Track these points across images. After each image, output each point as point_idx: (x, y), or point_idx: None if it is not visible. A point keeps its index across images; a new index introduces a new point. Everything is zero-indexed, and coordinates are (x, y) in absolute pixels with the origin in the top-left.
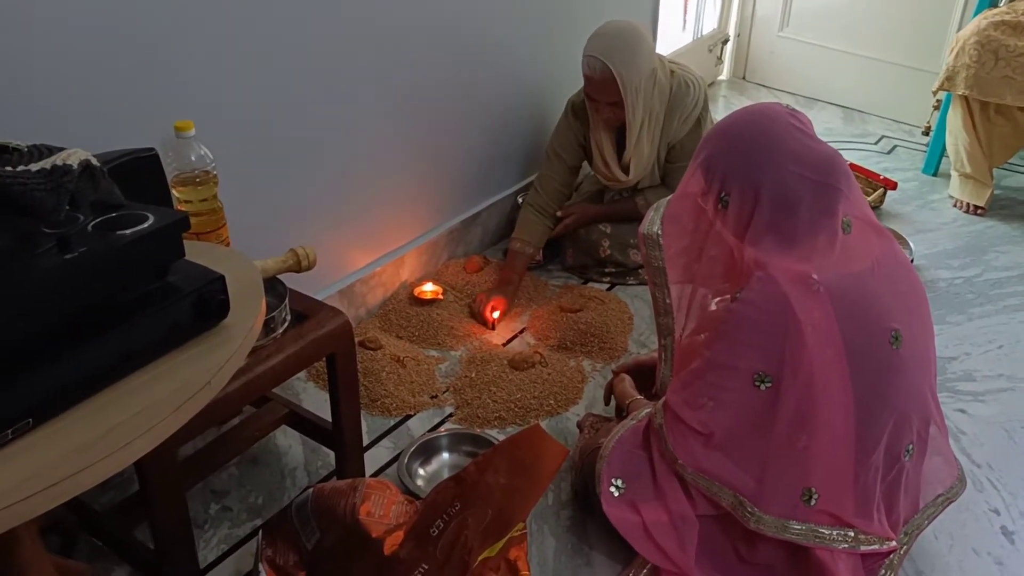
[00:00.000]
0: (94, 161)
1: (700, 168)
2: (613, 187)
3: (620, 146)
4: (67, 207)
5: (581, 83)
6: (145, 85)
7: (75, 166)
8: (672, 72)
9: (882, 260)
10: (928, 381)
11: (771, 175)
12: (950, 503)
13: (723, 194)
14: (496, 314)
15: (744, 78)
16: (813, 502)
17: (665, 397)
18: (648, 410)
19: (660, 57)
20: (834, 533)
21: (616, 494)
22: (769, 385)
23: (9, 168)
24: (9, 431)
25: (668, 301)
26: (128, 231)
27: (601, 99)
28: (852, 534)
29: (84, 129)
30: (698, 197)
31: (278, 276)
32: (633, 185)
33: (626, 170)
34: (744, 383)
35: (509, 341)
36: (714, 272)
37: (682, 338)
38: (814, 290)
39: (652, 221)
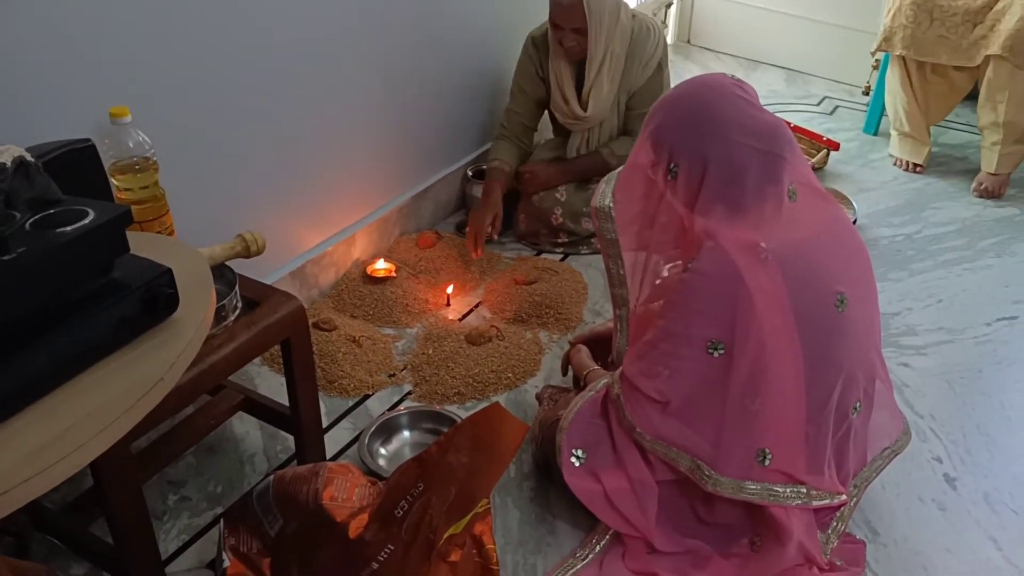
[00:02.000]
0: (28, 157)
1: (649, 139)
2: (571, 126)
3: (579, 83)
4: (2, 207)
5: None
6: (74, 71)
7: (8, 164)
8: (634, 16)
9: (827, 226)
10: (873, 340)
11: (718, 146)
12: (896, 455)
13: (672, 165)
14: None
15: (688, 42)
16: (767, 462)
17: (621, 368)
18: (605, 380)
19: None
20: (787, 491)
21: (577, 464)
22: (722, 352)
23: None
24: None
25: (622, 272)
26: (69, 228)
27: (566, 25)
28: (804, 490)
29: (10, 121)
30: (647, 168)
31: (227, 263)
32: (592, 129)
33: (585, 106)
34: (698, 351)
35: (465, 316)
36: (665, 239)
37: (637, 308)
38: (762, 258)
39: (604, 194)
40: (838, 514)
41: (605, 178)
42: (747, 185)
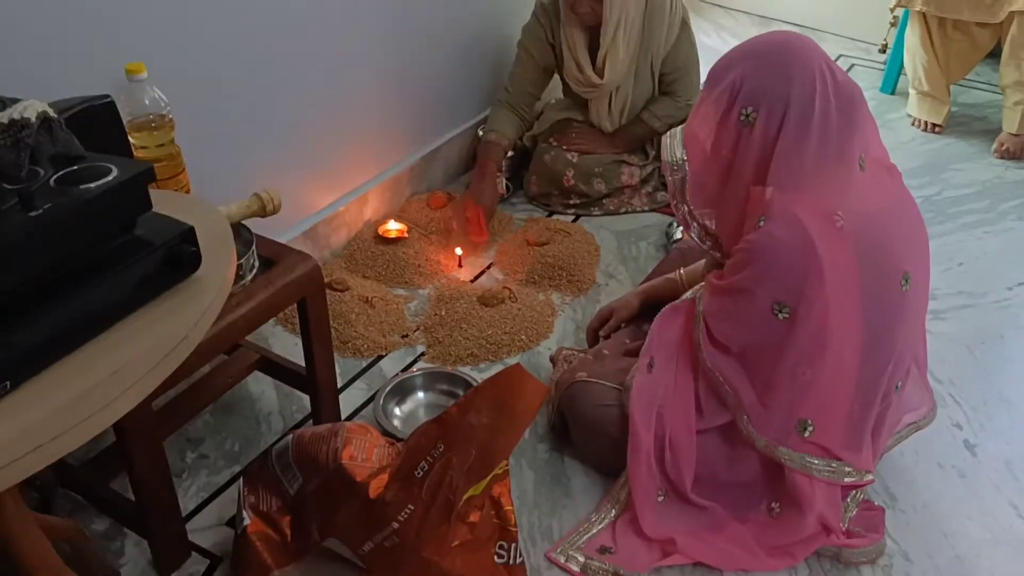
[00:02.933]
0: (52, 112)
1: (718, 83)
2: (586, 94)
3: (592, 50)
4: (27, 163)
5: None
6: (90, 27)
7: (33, 119)
8: None
9: (896, 201)
10: (924, 321)
11: (801, 91)
12: (919, 430)
13: (749, 110)
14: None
15: None
16: (807, 433)
17: (704, 295)
18: (691, 294)
19: None
20: (821, 464)
21: (648, 371)
22: (786, 316)
23: None
24: None
25: (706, 223)
26: (93, 185)
27: None
28: (836, 465)
29: (27, 77)
30: (715, 120)
31: (243, 222)
32: (615, 96)
33: (601, 73)
34: (763, 309)
35: (477, 277)
36: (736, 194)
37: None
38: (838, 227)
39: (672, 148)
40: None
41: (668, 133)
42: (823, 139)
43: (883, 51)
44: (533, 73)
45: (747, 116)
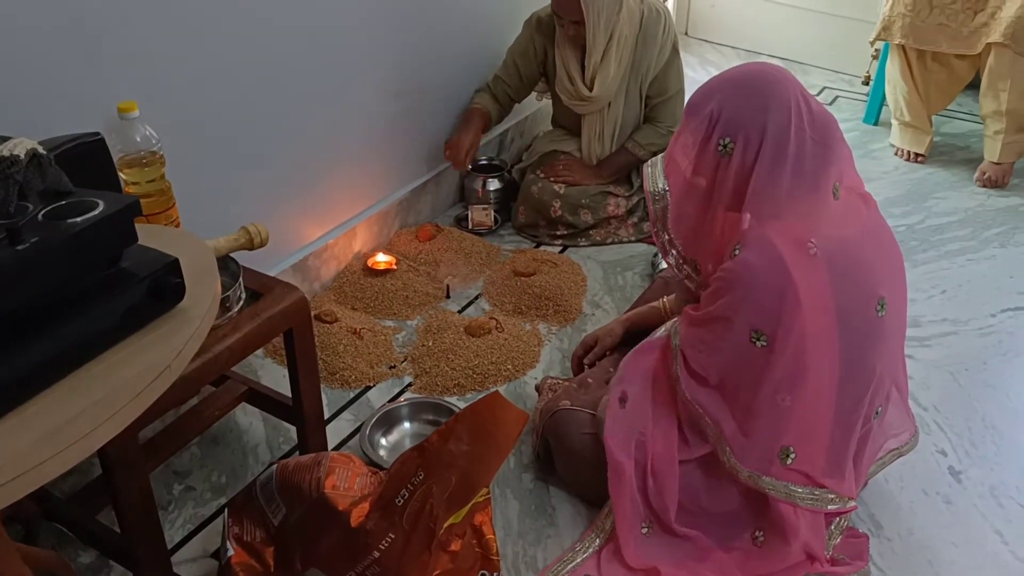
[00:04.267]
0: (40, 149)
1: (699, 112)
2: (578, 108)
3: (584, 66)
4: (15, 199)
5: None
6: (83, 67)
7: (22, 156)
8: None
9: (870, 227)
10: (901, 344)
11: (777, 122)
12: (900, 457)
13: (726, 140)
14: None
15: (687, 33)
16: (790, 461)
17: (680, 328)
18: (667, 329)
19: None
20: (804, 492)
21: (621, 407)
22: (764, 344)
23: None
24: None
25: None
26: (79, 219)
27: (565, 16)
28: (818, 493)
29: (23, 115)
30: (693, 149)
31: (231, 254)
32: (605, 116)
33: (590, 86)
34: (741, 337)
35: (464, 308)
36: (711, 228)
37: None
38: (811, 254)
39: (654, 177)
40: None
41: (649, 162)
42: (798, 169)
43: (866, 83)
44: (514, 80)
45: (724, 146)
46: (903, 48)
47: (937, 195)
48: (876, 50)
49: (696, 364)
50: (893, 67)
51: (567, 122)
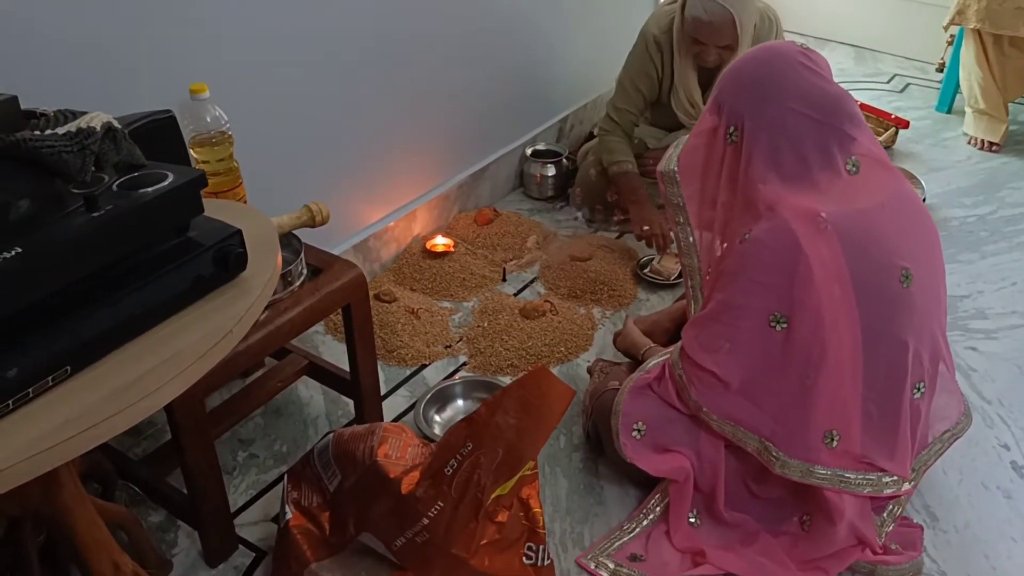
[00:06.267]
0: (115, 123)
1: (713, 103)
2: (690, 123)
3: (703, 84)
4: (92, 168)
5: (584, 31)
6: (159, 49)
7: (98, 128)
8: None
9: (892, 199)
10: (938, 319)
11: (773, 110)
12: (956, 439)
13: (731, 128)
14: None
15: None
16: (835, 444)
17: (681, 344)
18: (662, 358)
19: None
20: (858, 478)
21: (638, 436)
22: (785, 326)
23: (37, 132)
24: (49, 378)
25: (691, 240)
26: (150, 189)
27: (712, 43)
28: (874, 477)
29: (101, 95)
30: (710, 133)
31: (294, 232)
32: None
33: None
34: (759, 323)
35: (520, 291)
36: (728, 217)
37: (707, 278)
38: (822, 227)
39: (670, 158)
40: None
41: (673, 143)
42: (800, 153)
43: (940, 70)
44: (638, 105)
45: (731, 134)
46: (979, 33)
47: (1011, 185)
48: (951, 36)
49: (715, 366)
50: (968, 53)
51: (664, 123)
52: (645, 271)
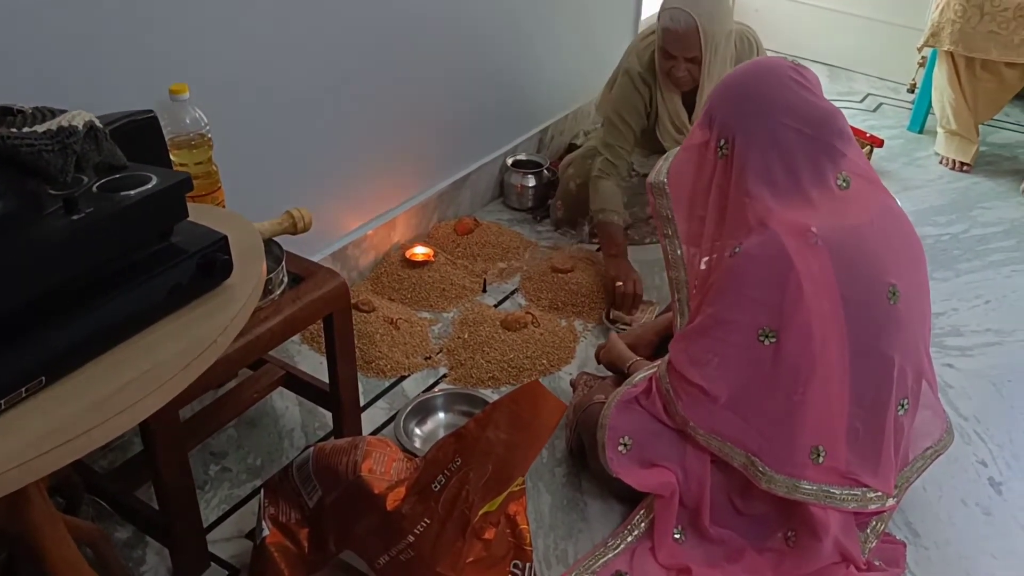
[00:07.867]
0: (97, 123)
1: (704, 117)
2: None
3: (687, 108)
4: (73, 169)
5: (565, 43)
6: (138, 49)
7: (80, 127)
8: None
9: (881, 215)
10: (923, 336)
11: (763, 126)
12: (938, 455)
13: (722, 143)
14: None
15: None
16: (821, 459)
17: (669, 357)
18: (648, 372)
19: None
20: (843, 493)
21: (624, 451)
22: (773, 340)
23: (15, 129)
24: (23, 389)
25: (679, 253)
26: (133, 192)
27: (680, 54)
28: (859, 493)
29: (79, 94)
30: (700, 147)
31: (274, 238)
32: None
33: None
34: (748, 338)
35: (501, 302)
36: (716, 231)
37: (694, 291)
38: (812, 243)
39: (659, 170)
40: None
41: (664, 156)
42: (791, 168)
43: (912, 90)
44: (629, 141)
45: (722, 148)
46: (951, 55)
47: (982, 205)
48: (923, 57)
49: (703, 380)
50: (941, 74)
51: (651, 147)
52: (609, 318)
